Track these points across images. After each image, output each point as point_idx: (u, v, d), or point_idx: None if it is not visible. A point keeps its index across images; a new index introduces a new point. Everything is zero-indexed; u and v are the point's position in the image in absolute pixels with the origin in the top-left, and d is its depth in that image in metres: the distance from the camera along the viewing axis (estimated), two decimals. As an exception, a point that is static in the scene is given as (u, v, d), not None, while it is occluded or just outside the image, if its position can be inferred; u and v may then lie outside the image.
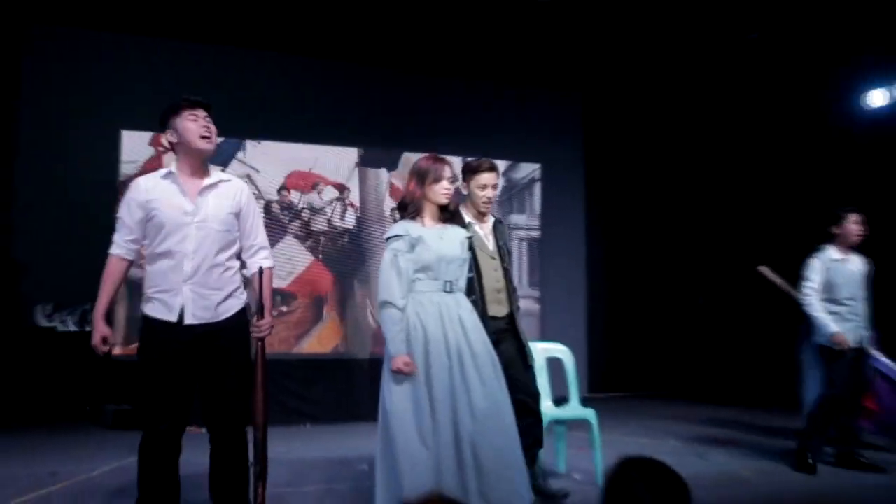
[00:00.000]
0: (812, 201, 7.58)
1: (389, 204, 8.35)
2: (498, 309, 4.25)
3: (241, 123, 7.78)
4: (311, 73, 8.62)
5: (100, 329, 3.35)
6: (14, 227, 7.50)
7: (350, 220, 8.42)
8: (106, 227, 7.25)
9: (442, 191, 3.79)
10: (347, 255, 8.34)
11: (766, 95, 8.91)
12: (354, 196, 8.48)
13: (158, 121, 3.52)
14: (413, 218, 3.81)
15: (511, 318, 4.31)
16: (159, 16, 7.64)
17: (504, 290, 4.30)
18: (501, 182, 9.33)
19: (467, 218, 4.32)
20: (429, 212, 3.83)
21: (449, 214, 3.92)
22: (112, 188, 7.44)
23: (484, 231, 4.34)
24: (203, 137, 3.43)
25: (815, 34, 7.91)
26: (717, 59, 8.82)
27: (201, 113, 3.46)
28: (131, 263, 3.48)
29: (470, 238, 3.98)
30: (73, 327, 7.43)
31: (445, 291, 3.72)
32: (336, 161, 8.49)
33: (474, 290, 4.16)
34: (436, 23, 7.89)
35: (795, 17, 7.71)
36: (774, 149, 8.92)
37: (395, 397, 3.59)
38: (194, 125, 3.42)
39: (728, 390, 8.98)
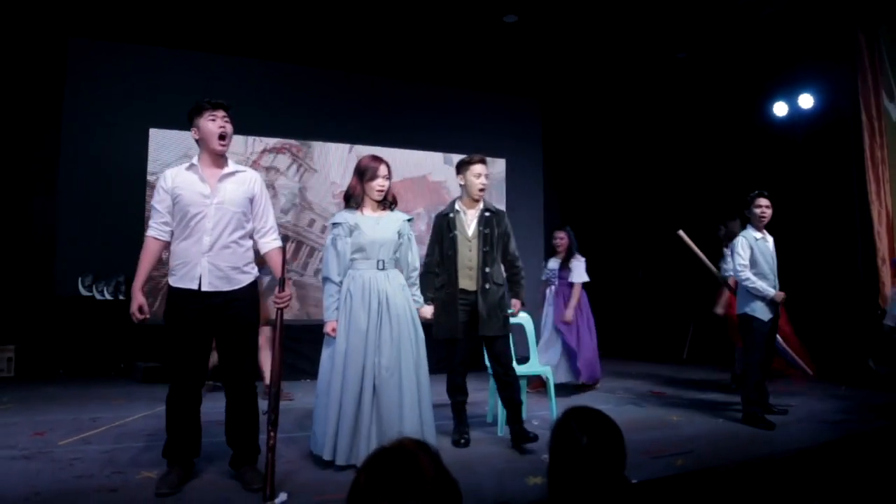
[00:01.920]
0: (734, 191, 7.68)
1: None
2: (469, 283, 4.33)
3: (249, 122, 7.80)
4: (308, 79, 8.54)
5: (137, 299, 3.33)
6: (59, 211, 7.45)
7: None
8: (136, 210, 7.36)
9: (377, 187, 3.92)
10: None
11: (695, 105, 8.99)
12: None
13: (187, 118, 3.49)
14: (354, 208, 3.95)
15: (478, 293, 4.29)
16: (179, 30, 7.57)
17: (476, 269, 4.33)
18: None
19: (457, 206, 4.45)
20: (368, 203, 3.96)
21: (388, 204, 4.02)
22: (141, 177, 7.39)
23: (469, 217, 4.43)
24: (219, 137, 3.42)
25: (733, 56, 8.02)
26: (654, 73, 8.90)
27: (220, 114, 3.43)
28: (165, 244, 3.46)
29: (410, 220, 4.08)
30: (108, 296, 7.41)
31: (378, 269, 3.88)
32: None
33: (452, 265, 4.33)
34: (419, 37, 7.87)
35: (717, 41, 7.84)
36: (702, 148, 9.00)
37: (323, 356, 3.88)
38: (213, 125, 3.40)
39: (661, 350, 9.10)
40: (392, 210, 4.02)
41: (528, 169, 9.66)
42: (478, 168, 4.42)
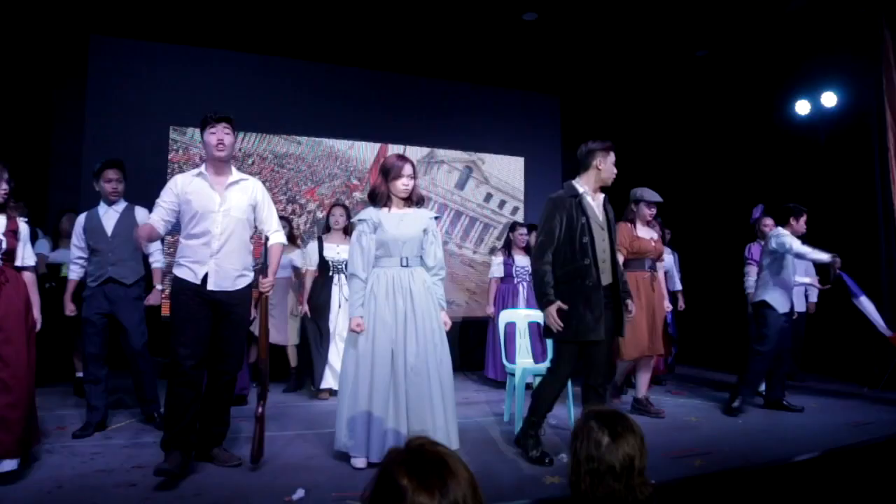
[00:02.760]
0: (755, 190, 7.63)
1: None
2: (604, 278, 3.99)
3: (263, 121, 7.92)
4: (328, 77, 8.51)
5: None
6: (81, 209, 7.50)
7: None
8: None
9: (401, 186, 3.94)
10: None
11: (715, 103, 8.92)
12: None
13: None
14: (381, 205, 3.96)
15: (611, 288, 4.04)
16: (200, 28, 7.60)
17: (608, 261, 4.05)
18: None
19: (581, 189, 4.15)
20: (394, 201, 3.98)
21: (413, 202, 4.01)
22: (162, 174, 7.44)
23: (596, 203, 4.18)
24: (217, 148, 3.70)
25: (754, 54, 7.94)
26: (674, 71, 8.83)
27: (220, 126, 3.70)
28: (159, 236, 3.86)
29: (438, 218, 4.14)
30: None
31: (402, 266, 3.89)
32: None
33: (588, 254, 3.94)
34: (439, 34, 7.85)
35: (738, 39, 7.75)
36: (722, 148, 8.93)
37: (348, 352, 3.94)
38: (212, 138, 3.70)
39: (682, 352, 9.03)
40: (418, 207, 4.01)
41: (547, 167, 9.61)
42: (614, 156, 4.25)
